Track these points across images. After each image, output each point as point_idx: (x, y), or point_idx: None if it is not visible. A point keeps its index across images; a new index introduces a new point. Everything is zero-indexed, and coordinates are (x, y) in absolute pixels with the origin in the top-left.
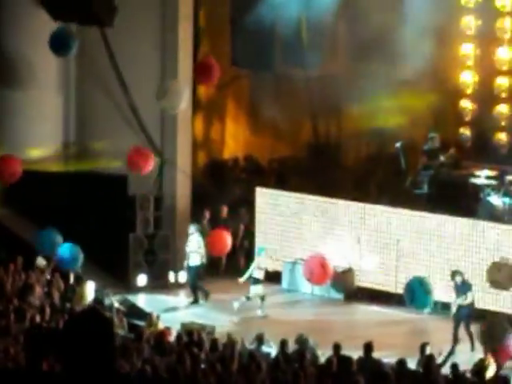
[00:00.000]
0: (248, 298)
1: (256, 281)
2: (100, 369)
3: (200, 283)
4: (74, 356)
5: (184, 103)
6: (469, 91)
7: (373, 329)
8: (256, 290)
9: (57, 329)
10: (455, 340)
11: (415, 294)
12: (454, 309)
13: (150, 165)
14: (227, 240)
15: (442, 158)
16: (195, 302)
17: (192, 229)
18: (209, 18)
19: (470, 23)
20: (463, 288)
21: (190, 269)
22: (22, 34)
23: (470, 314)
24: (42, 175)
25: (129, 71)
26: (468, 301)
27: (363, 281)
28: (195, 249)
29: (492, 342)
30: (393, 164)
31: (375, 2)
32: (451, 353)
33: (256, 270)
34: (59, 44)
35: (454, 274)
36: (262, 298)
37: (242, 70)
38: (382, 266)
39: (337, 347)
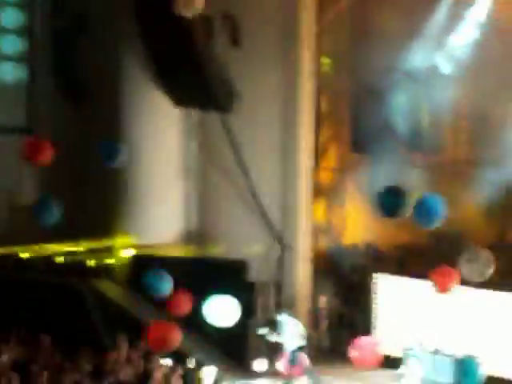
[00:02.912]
0: None
1: None
2: None
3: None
4: None
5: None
6: None
7: None
8: None
9: None
10: None
11: None
12: None
13: None
14: None
15: None
16: None
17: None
18: (330, 104)
19: None
20: None
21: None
22: (144, 118)
23: None
24: (164, 260)
25: (249, 156)
26: None
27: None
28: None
29: None
30: None
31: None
32: None
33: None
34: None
35: None
36: None
37: (363, 156)
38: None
39: None
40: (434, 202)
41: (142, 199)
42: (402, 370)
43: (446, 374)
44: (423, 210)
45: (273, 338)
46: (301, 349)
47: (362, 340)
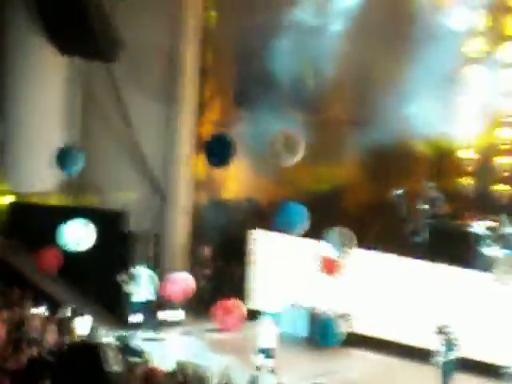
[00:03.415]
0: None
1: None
2: None
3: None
4: None
5: None
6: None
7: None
8: (264, 360)
9: (51, 362)
10: None
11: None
12: (439, 361)
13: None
14: None
15: (437, 209)
16: None
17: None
18: (215, 59)
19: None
20: (448, 345)
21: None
22: (28, 69)
23: (453, 369)
24: (42, 208)
25: (133, 108)
26: (452, 357)
27: (358, 327)
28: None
29: None
30: (393, 211)
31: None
32: None
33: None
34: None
35: (439, 330)
36: (272, 371)
37: (245, 111)
38: (377, 312)
39: None
40: (295, 211)
41: (21, 147)
42: (259, 325)
43: (302, 328)
44: (285, 219)
45: (126, 286)
46: (149, 302)
47: (226, 303)
